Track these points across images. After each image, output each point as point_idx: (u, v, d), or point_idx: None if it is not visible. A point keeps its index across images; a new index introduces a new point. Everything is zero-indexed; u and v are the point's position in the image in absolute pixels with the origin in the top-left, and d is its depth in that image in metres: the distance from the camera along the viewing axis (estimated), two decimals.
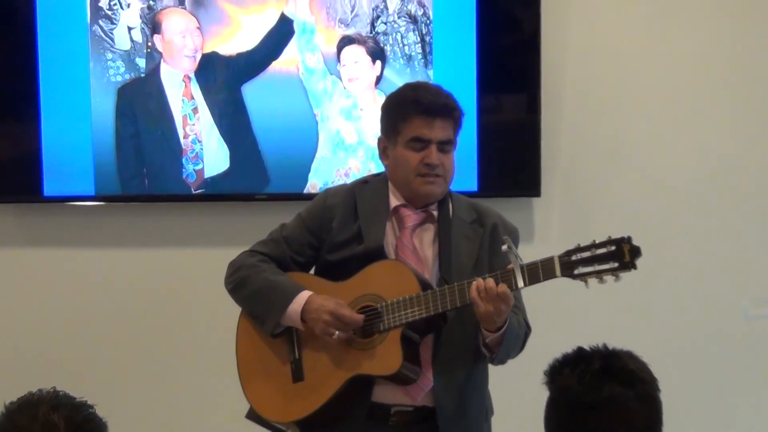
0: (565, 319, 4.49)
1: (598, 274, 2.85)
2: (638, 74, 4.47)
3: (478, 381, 3.16)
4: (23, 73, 4.42)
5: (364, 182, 3.21)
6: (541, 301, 4.52)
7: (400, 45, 4.36)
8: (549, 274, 2.87)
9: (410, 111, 3.05)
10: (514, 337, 3.00)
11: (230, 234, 4.43)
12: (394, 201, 3.12)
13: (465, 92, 4.34)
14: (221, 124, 4.42)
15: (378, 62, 4.37)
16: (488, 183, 4.37)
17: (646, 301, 4.52)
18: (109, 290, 4.59)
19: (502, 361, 3.06)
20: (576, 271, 2.86)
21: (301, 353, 3.11)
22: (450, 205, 3.13)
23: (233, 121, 4.42)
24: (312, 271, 3.23)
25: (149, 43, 4.41)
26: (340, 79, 4.37)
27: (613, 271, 2.84)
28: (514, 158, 4.41)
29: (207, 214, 4.53)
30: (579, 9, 4.45)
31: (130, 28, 4.41)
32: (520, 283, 2.88)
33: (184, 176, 4.44)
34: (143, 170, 4.44)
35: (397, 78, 4.35)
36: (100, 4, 4.40)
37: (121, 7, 4.40)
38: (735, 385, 4.54)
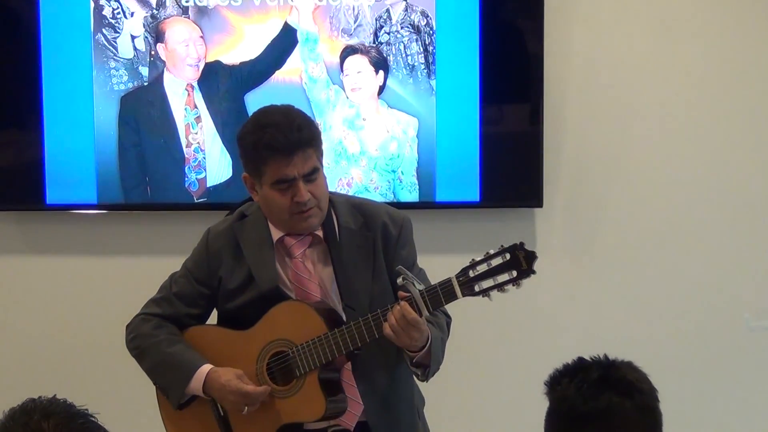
0: (566, 329, 4.49)
1: (499, 286, 2.81)
2: (641, 85, 4.47)
3: (403, 384, 3.11)
4: (26, 81, 4.43)
5: (241, 217, 3.10)
6: (541, 312, 4.53)
7: (403, 55, 4.37)
8: (450, 297, 2.84)
9: (266, 155, 2.91)
10: (439, 345, 2.96)
11: None
12: (276, 233, 3.03)
13: (468, 102, 4.35)
14: (224, 133, 4.42)
15: (381, 72, 4.37)
16: (490, 193, 4.37)
17: (647, 312, 4.51)
18: (111, 298, 4.58)
19: (434, 372, 3.00)
20: (477, 288, 2.82)
21: (225, 410, 3.05)
22: (333, 215, 3.05)
23: (236, 130, 4.39)
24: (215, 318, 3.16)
25: (152, 52, 4.41)
26: (343, 89, 4.38)
27: (512, 281, 2.81)
28: (516, 169, 4.41)
29: (209, 223, 4.49)
30: (582, 20, 4.45)
31: (133, 37, 4.42)
32: (424, 312, 2.84)
33: (186, 185, 4.44)
34: (146, 179, 4.44)
35: (400, 88, 4.35)
36: (103, 13, 4.41)
37: (125, 16, 4.41)
38: (736, 396, 4.53)
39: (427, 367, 2.95)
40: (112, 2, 4.40)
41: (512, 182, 4.41)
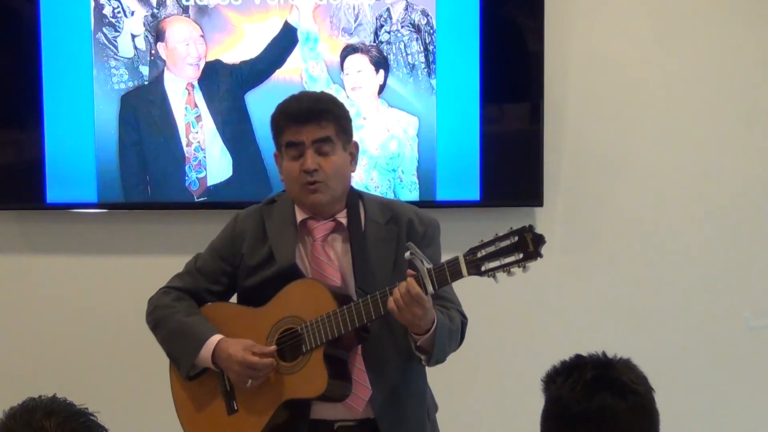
0: (566, 327, 4.49)
1: (505, 267, 2.81)
2: (641, 84, 4.47)
3: (415, 383, 3.12)
4: (27, 80, 4.43)
5: (271, 202, 3.18)
6: (541, 311, 4.53)
7: (404, 54, 4.37)
8: (456, 275, 2.84)
9: (282, 122, 3.06)
10: (446, 334, 2.96)
11: None
12: (300, 215, 3.09)
13: (468, 101, 4.35)
14: (224, 132, 4.42)
15: (381, 71, 4.37)
16: (491, 192, 4.37)
17: (647, 310, 4.51)
18: (111, 298, 4.59)
19: (439, 361, 3.01)
20: (483, 268, 2.82)
21: (232, 384, 3.09)
22: (362, 210, 3.10)
23: (236, 129, 4.42)
24: (235, 298, 3.21)
25: (153, 51, 4.42)
26: (344, 88, 4.38)
27: (518, 263, 2.81)
28: (516, 168, 4.41)
29: (209, 222, 4.51)
30: (582, 19, 4.45)
31: (133, 36, 4.42)
32: (429, 288, 2.85)
33: (186, 184, 4.44)
34: (146, 178, 4.45)
35: (400, 87, 4.35)
36: (104, 12, 4.41)
37: (125, 15, 4.41)
38: (736, 395, 4.53)
39: (431, 354, 2.95)
40: (112, 1, 4.40)
41: (512, 181, 4.41)
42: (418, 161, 4.37)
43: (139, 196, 4.46)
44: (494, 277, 2.83)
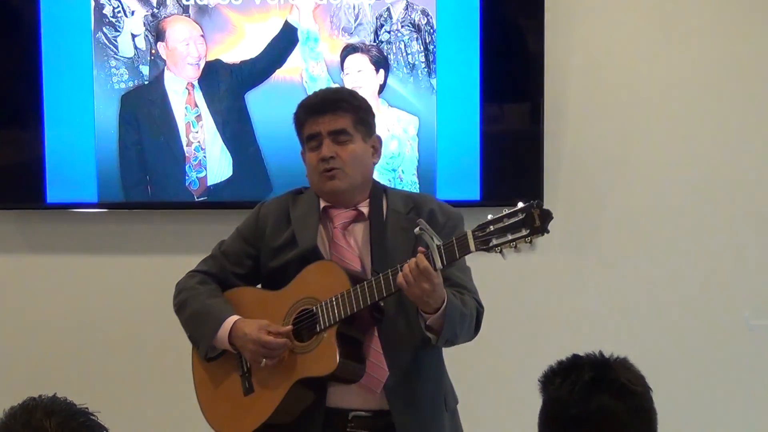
0: (566, 326, 4.49)
1: (512, 242, 2.82)
2: (641, 83, 4.47)
3: (430, 369, 3.14)
4: (27, 80, 4.43)
5: (298, 192, 3.25)
6: (541, 310, 4.53)
7: (404, 54, 4.37)
8: (464, 250, 2.86)
9: (301, 116, 3.17)
10: (457, 315, 2.97)
11: None
12: (323, 204, 3.16)
13: (468, 101, 4.35)
14: (224, 132, 4.42)
15: (381, 71, 4.37)
16: (491, 192, 4.37)
17: (647, 310, 4.52)
18: (111, 297, 4.59)
19: (451, 342, 3.03)
20: (491, 243, 2.83)
21: (249, 366, 3.13)
22: (384, 201, 3.15)
23: (236, 128, 4.42)
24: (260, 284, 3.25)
25: (153, 51, 4.42)
26: None
27: (525, 238, 2.82)
28: (516, 167, 4.41)
29: (209, 222, 4.52)
30: (582, 18, 4.45)
31: (134, 36, 4.42)
32: (438, 263, 2.86)
33: (186, 184, 4.44)
34: (146, 177, 4.45)
35: (400, 87, 4.35)
36: (104, 12, 4.41)
37: (125, 15, 4.41)
38: (736, 394, 4.53)
39: (440, 334, 2.96)
40: (112, 1, 4.41)
41: (513, 181, 4.41)
42: (418, 161, 4.37)
43: (139, 196, 4.46)
44: (502, 252, 2.84)
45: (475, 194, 4.36)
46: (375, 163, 3.18)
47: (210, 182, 4.44)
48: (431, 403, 3.13)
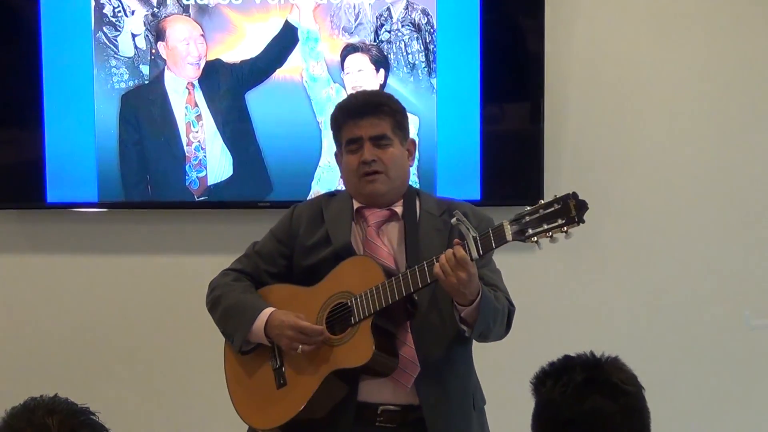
0: (567, 326, 4.49)
1: (547, 232, 2.84)
2: (642, 83, 4.47)
3: (460, 366, 3.16)
4: (27, 80, 4.43)
5: (331, 195, 3.28)
6: (542, 309, 4.53)
7: (404, 53, 4.37)
8: (500, 240, 2.88)
9: (340, 119, 3.16)
10: (491, 309, 3.00)
11: (233, 241, 4.41)
12: (357, 204, 3.18)
13: (468, 101, 4.35)
14: (225, 132, 4.42)
15: (382, 70, 4.37)
16: (491, 192, 4.37)
17: (648, 309, 4.52)
18: (112, 297, 4.59)
19: (484, 336, 3.05)
20: (527, 233, 2.86)
21: (282, 360, 3.15)
22: (417, 203, 3.18)
23: (237, 128, 4.42)
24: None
25: (153, 50, 4.42)
26: (344, 87, 4.38)
27: (560, 227, 2.83)
28: (517, 167, 4.41)
29: (210, 222, 4.53)
30: (583, 19, 4.45)
31: (134, 35, 4.42)
32: (474, 253, 2.88)
33: (187, 183, 4.44)
34: (146, 177, 4.45)
35: (400, 86, 4.35)
36: (104, 11, 4.41)
37: (126, 15, 4.41)
38: (735, 394, 4.54)
39: (474, 326, 2.98)
40: (112, 1, 4.41)
41: (513, 180, 4.41)
42: (418, 161, 4.37)
43: (139, 196, 4.46)
44: (537, 243, 2.86)
45: (475, 194, 4.36)
46: (411, 166, 3.21)
47: (210, 182, 4.44)
48: (460, 400, 3.15)
